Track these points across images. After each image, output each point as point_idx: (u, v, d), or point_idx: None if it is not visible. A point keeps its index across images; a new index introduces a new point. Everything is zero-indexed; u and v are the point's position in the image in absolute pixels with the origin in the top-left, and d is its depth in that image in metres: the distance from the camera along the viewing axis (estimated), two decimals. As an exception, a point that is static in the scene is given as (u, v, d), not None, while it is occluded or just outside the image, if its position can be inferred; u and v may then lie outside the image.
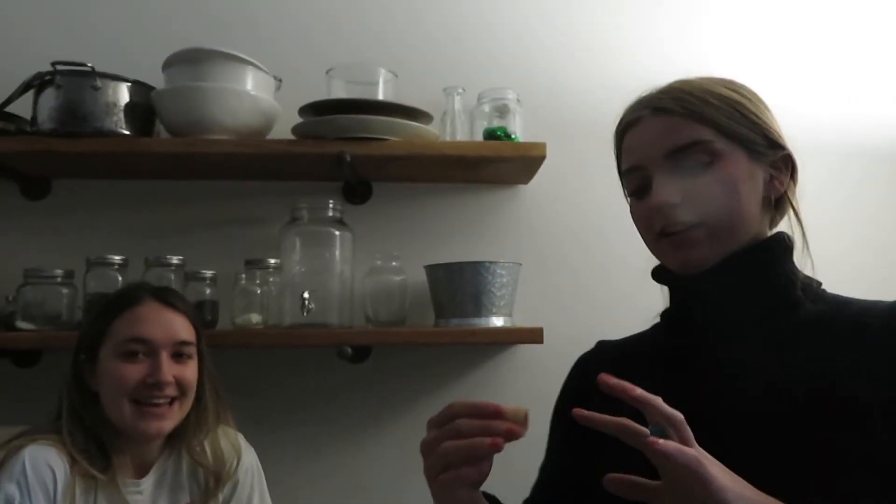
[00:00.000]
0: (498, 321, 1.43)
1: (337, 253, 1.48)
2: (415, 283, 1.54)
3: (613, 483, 0.61)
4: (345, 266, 1.49)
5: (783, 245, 0.77)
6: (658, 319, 0.86)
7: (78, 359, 1.12)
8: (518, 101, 1.55)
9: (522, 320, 1.53)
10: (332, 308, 1.46)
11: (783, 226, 0.81)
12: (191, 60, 1.41)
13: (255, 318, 1.42)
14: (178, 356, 1.12)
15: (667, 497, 0.58)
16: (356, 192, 1.63)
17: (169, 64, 1.43)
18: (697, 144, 0.74)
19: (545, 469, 0.90)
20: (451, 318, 1.44)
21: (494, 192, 1.66)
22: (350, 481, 1.55)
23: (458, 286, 1.42)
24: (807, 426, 0.65)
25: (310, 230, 1.48)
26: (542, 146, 1.46)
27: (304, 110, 1.45)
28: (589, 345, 1.61)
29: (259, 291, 1.44)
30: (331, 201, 1.49)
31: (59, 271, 1.40)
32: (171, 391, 1.09)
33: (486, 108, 1.55)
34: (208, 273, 1.43)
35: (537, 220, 1.65)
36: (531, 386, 1.59)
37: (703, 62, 1.62)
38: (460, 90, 1.57)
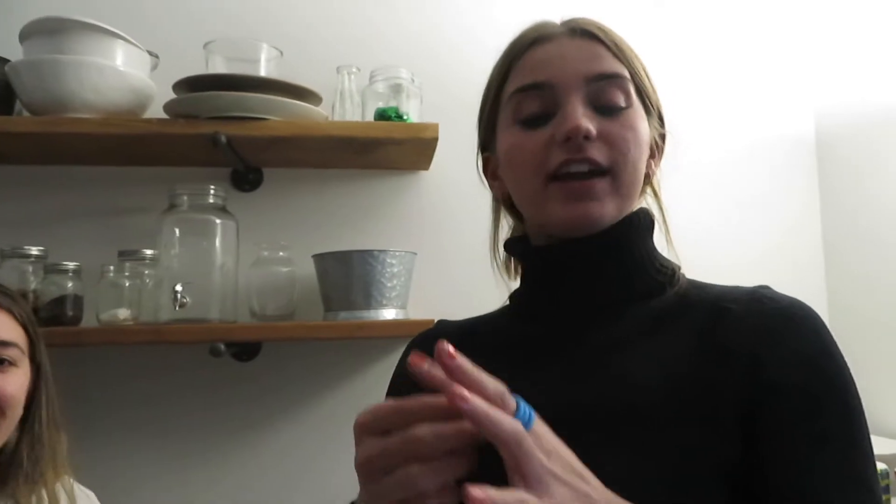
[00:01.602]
0: (389, 314, 1.35)
1: (218, 243, 1.38)
2: (305, 275, 1.45)
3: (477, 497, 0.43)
4: (227, 257, 1.39)
5: (648, 221, 0.70)
6: (507, 302, 0.79)
7: None
8: (413, 81, 1.47)
9: (417, 313, 1.45)
10: (212, 302, 1.35)
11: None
12: (50, 31, 1.29)
13: (124, 313, 1.31)
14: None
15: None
16: (246, 178, 1.53)
17: (26, 35, 1.30)
18: (621, 79, 0.66)
19: None
20: (340, 310, 1.35)
21: (392, 178, 1.57)
22: (238, 486, 1.45)
23: (347, 277, 1.34)
24: (658, 420, 0.59)
25: (188, 218, 1.37)
26: (434, 127, 1.38)
27: (178, 87, 1.34)
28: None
29: (128, 284, 1.33)
30: (212, 187, 1.38)
31: None
32: None
33: (380, 87, 1.46)
34: (71, 265, 1.31)
35: (436, 207, 1.57)
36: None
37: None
38: (354, 69, 1.49)
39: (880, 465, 1.27)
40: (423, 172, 1.58)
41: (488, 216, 1.57)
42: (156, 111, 1.38)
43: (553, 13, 0.74)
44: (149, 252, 1.36)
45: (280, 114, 1.34)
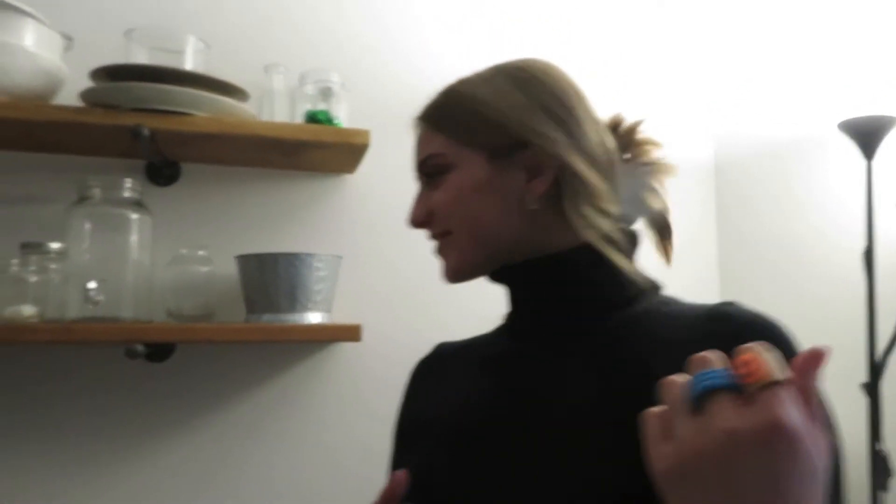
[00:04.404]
0: (314, 317, 1.35)
1: (133, 239, 1.32)
2: (224, 275, 1.41)
3: None
4: (142, 254, 1.33)
5: (586, 259, 0.70)
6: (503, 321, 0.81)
7: None
8: (343, 85, 1.47)
9: (341, 317, 1.45)
10: (125, 300, 1.29)
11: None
12: (-48, 5, 1.19)
13: (28, 310, 1.23)
14: None
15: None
16: (161, 172, 1.47)
17: (-77, 7, 1.20)
18: (431, 158, 0.72)
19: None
20: (263, 313, 1.33)
21: (317, 180, 1.56)
22: (141, 492, 1.39)
23: (272, 279, 1.32)
24: (586, 437, 0.61)
25: (101, 212, 1.31)
26: (365, 133, 1.39)
27: (96, 75, 1.28)
28: (409, 343, 1.57)
29: (34, 280, 1.25)
30: (128, 180, 1.32)
31: None
32: None
33: (309, 89, 1.45)
34: (-32, 257, 1.22)
35: (360, 211, 1.57)
36: (349, 385, 1.52)
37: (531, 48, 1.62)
38: (282, 69, 1.47)
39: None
40: (347, 176, 1.58)
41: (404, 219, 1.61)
42: (65, 97, 1.31)
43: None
44: (55, 245, 1.29)
45: (206, 109, 1.30)
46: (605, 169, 0.71)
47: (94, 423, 1.37)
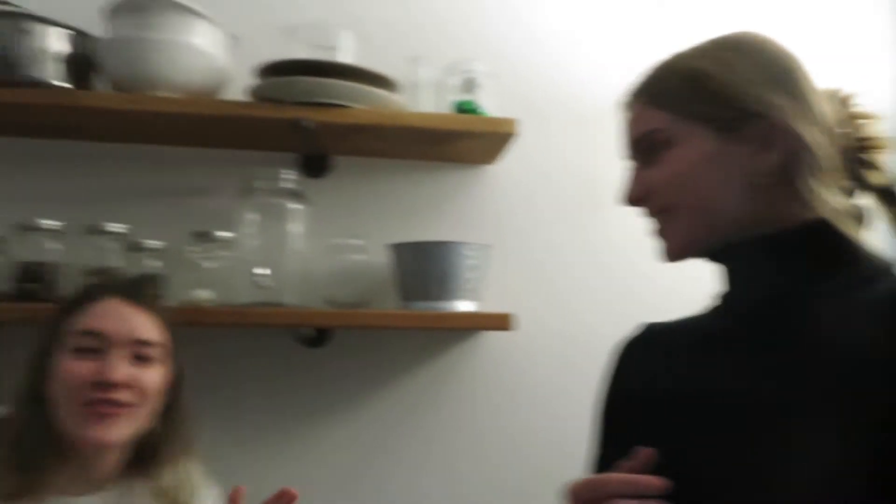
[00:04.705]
0: (465, 306, 1.36)
1: (294, 228, 1.38)
2: (377, 263, 1.45)
3: None
4: (301, 243, 1.39)
5: (820, 235, 0.67)
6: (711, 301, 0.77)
7: (37, 361, 0.97)
8: (488, 75, 1.48)
9: (489, 306, 1.45)
10: (288, 287, 1.36)
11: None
12: (136, 8, 1.28)
13: (205, 294, 1.31)
14: (139, 358, 0.97)
15: None
16: (313, 164, 1.52)
17: (111, 11, 1.30)
18: (650, 134, 0.71)
19: (604, 460, 0.78)
20: (416, 300, 1.36)
21: (459, 171, 1.57)
22: (298, 474, 1.45)
23: (425, 267, 1.34)
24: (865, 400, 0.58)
25: (265, 202, 1.37)
26: (511, 122, 1.39)
27: (261, 71, 1.34)
28: (560, 332, 1.56)
29: (209, 266, 1.33)
30: (287, 172, 1.39)
31: (-18, 237, 1.26)
32: (124, 395, 0.93)
33: (454, 81, 1.47)
34: (153, 244, 1.31)
35: (504, 201, 1.58)
36: (498, 375, 1.53)
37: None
38: (427, 61, 1.49)
39: None
40: (488, 166, 1.59)
41: (558, 210, 1.59)
42: (230, 94, 1.39)
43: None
44: (222, 234, 1.36)
45: (363, 101, 1.34)
46: (834, 142, 0.67)
47: (263, 404, 1.45)
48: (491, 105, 1.45)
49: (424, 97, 1.46)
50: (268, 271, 1.32)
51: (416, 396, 1.50)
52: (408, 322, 1.34)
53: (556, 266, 1.58)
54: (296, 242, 1.38)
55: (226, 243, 1.36)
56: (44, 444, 0.93)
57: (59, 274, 1.28)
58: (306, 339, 1.39)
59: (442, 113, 1.43)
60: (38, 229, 1.28)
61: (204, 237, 1.35)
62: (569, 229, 1.58)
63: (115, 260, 1.30)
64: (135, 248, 1.31)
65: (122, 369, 0.94)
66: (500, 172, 1.58)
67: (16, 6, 1.24)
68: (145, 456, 1.00)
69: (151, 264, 1.31)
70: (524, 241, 1.57)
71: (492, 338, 1.53)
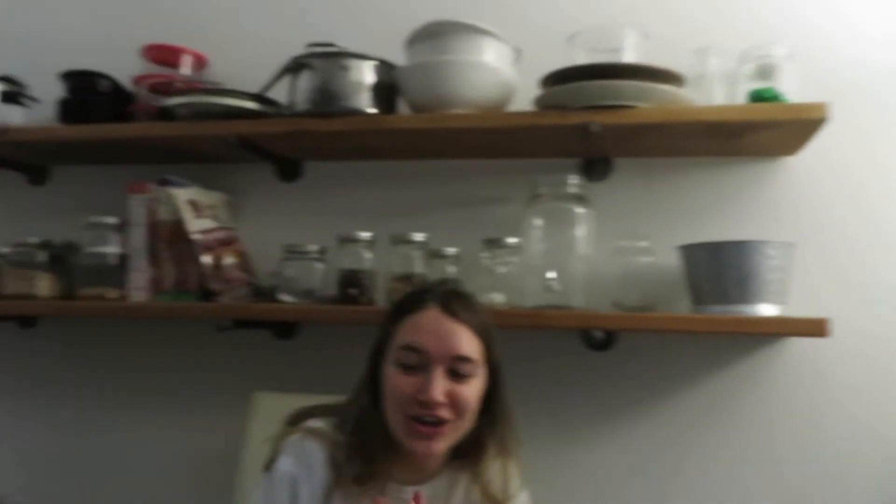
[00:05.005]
0: (769, 309, 1.26)
1: (580, 232, 1.39)
2: (664, 265, 1.40)
3: None
4: (588, 246, 1.40)
5: None
6: None
7: (373, 359, 1.05)
8: (788, 58, 1.35)
9: (799, 309, 1.32)
10: (575, 290, 1.37)
11: None
12: (432, 35, 1.39)
13: (498, 297, 1.38)
14: (456, 374, 0.99)
15: None
16: (596, 168, 1.53)
17: (411, 40, 1.43)
18: None
19: None
20: (712, 304, 1.29)
21: (753, 165, 1.47)
22: (577, 476, 1.47)
23: (722, 269, 1.27)
24: None
25: (551, 208, 1.40)
26: (821, 107, 1.25)
27: (545, 80, 1.38)
28: (876, 337, 1.36)
29: (501, 271, 1.40)
30: (572, 177, 1.40)
31: (313, 247, 1.46)
32: (443, 412, 0.97)
33: (748, 68, 1.36)
34: (451, 251, 1.42)
35: (809, 195, 1.43)
36: (802, 384, 1.40)
37: None
38: (716, 51, 1.40)
39: None
40: (787, 158, 1.45)
41: (864, 205, 1.41)
42: (515, 105, 1.44)
43: None
44: (511, 240, 1.42)
45: (649, 100, 1.31)
46: None
47: (549, 405, 1.49)
48: (792, 91, 1.33)
49: (715, 90, 1.38)
50: (553, 274, 1.34)
51: (706, 404, 1.43)
52: (704, 326, 1.27)
53: (866, 265, 1.40)
54: (582, 246, 1.39)
55: (515, 249, 1.41)
56: (381, 436, 1.02)
57: (374, 280, 1.44)
58: (593, 341, 1.39)
59: (737, 104, 1.34)
60: (356, 240, 1.45)
61: (495, 244, 1.42)
62: (876, 225, 1.40)
63: (418, 266, 1.42)
64: (434, 255, 1.42)
65: (440, 388, 0.97)
66: (798, 164, 1.44)
67: (336, 46, 1.42)
68: (470, 449, 1.05)
69: (449, 270, 1.41)
70: (828, 238, 1.42)
71: (797, 344, 1.39)
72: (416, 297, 1.05)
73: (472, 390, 1.00)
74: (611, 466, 1.46)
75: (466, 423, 1.01)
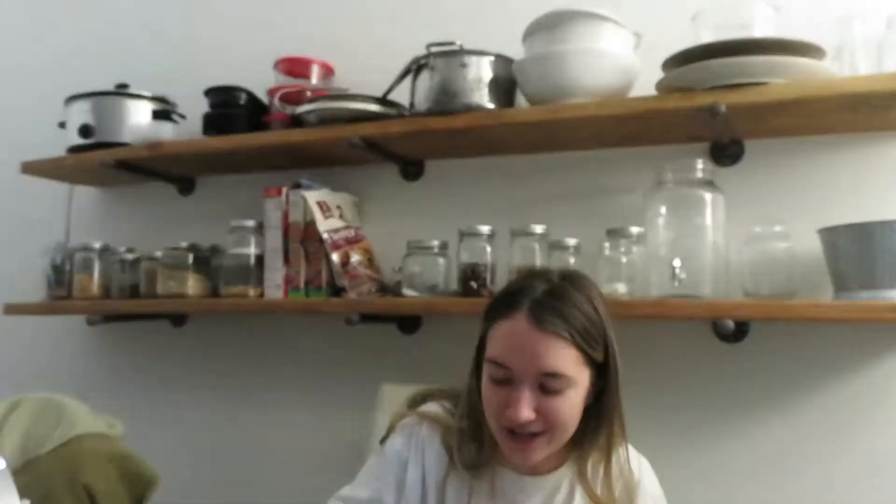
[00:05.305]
0: (924, 295, 1.14)
1: (708, 218, 1.33)
2: (802, 250, 1.31)
3: None
4: (717, 233, 1.33)
5: None
6: None
7: (477, 354, 1.03)
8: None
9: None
10: (704, 279, 1.31)
11: None
12: (550, 26, 1.39)
13: (622, 287, 1.35)
14: (546, 388, 0.94)
15: None
16: (726, 152, 1.45)
17: (529, 32, 1.43)
18: None
19: None
20: (859, 290, 1.19)
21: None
22: (706, 476, 1.40)
23: (871, 253, 1.17)
24: None
25: (677, 194, 1.35)
26: None
27: (668, 62, 1.33)
28: None
29: (624, 261, 1.36)
30: (699, 161, 1.35)
31: (435, 242, 1.50)
32: (534, 427, 0.94)
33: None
34: (571, 242, 1.40)
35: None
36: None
37: None
38: (860, 17, 1.29)
39: None
40: (943, 131, 1.32)
41: None
42: (637, 91, 1.40)
43: None
44: (634, 230, 1.38)
45: (782, 75, 1.23)
46: None
47: (677, 397, 1.44)
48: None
49: (859, 59, 1.28)
50: (679, 262, 1.29)
51: (847, 399, 1.33)
52: (848, 314, 1.17)
53: None
54: (712, 233, 1.32)
55: (638, 238, 1.38)
56: (486, 427, 1.01)
57: (494, 273, 1.45)
58: (724, 332, 1.32)
59: (885, 73, 1.23)
60: (476, 234, 1.47)
61: (617, 233, 1.39)
62: None
63: (539, 258, 1.41)
64: (555, 246, 1.41)
65: (526, 407, 0.93)
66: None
67: (456, 45, 1.45)
68: (583, 439, 1.02)
69: (569, 260, 1.39)
70: None
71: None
72: (510, 299, 0.99)
73: (565, 404, 0.95)
74: (742, 463, 1.39)
75: (565, 432, 0.98)
